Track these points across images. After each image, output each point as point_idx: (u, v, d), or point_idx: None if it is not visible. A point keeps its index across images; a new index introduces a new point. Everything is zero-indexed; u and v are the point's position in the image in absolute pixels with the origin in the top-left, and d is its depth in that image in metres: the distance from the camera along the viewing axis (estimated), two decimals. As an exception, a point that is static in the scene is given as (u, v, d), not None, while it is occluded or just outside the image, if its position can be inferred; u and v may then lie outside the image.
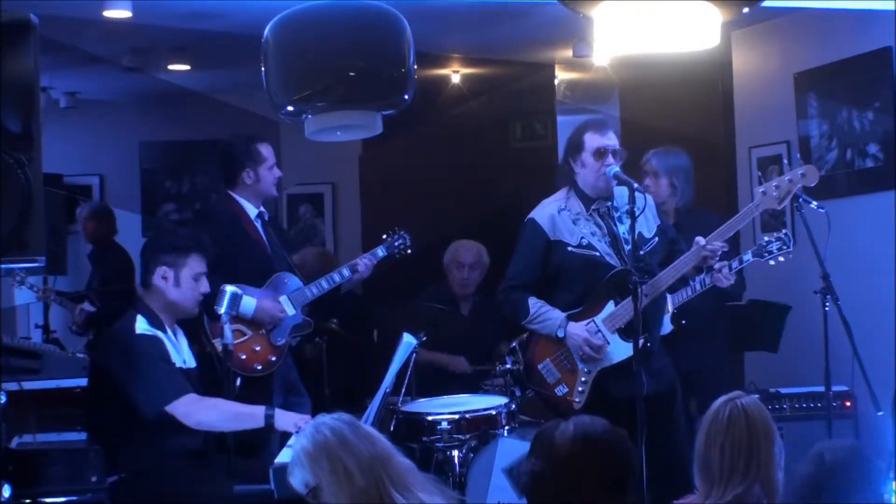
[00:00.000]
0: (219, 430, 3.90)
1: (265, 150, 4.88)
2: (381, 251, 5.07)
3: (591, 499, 2.38)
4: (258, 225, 4.88)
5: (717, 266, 4.35)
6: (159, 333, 3.99)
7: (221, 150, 5.01)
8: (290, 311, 4.76)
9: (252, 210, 4.87)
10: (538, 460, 2.42)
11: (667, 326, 4.69)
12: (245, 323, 4.63)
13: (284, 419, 3.87)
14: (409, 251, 5.18)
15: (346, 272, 4.88)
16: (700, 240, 4.22)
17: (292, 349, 4.94)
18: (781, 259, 4.45)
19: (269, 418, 3.85)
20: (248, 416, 3.89)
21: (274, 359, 4.71)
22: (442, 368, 5.69)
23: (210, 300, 4.13)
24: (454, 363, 5.72)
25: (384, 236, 5.15)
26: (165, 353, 3.96)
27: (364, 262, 4.95)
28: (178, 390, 3.87)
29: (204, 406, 3.88)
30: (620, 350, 4.29)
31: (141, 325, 3.96)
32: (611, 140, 4.35)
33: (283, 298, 4.75)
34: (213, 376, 4.31)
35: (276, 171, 4.93)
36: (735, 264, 4.53)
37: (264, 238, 4.86)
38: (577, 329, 4.30)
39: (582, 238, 4.34)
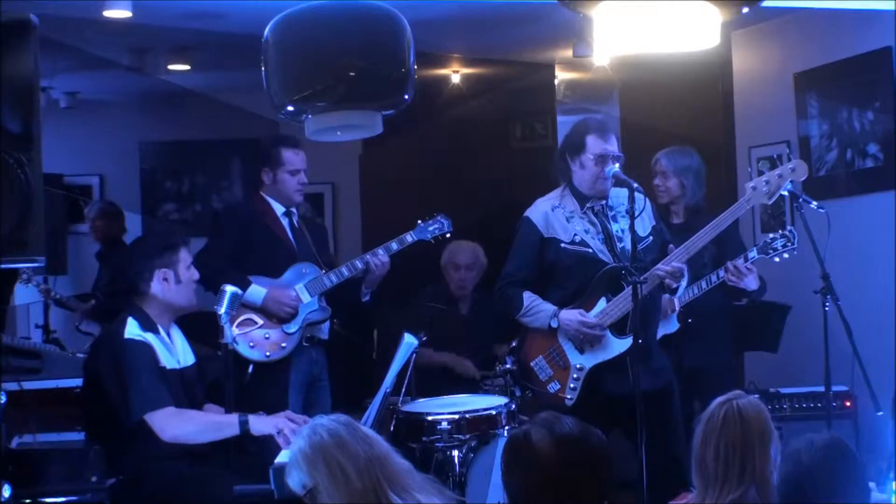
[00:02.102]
0: (195, 442, 3.86)
1: (288, 154, 4.85)
2: (409, 237, 4.93)
3: (582, 500, 2.39)
4: (285, 223, 4.90)
5: (729, 264, 4.52)
6: (149, 337, 3.96)
7: (255, 147, 5.05)
8: (306, 298, 4.78)
9: (279, 208, 4.90)
10: (524, 471, 2.43)
11: (673, 325, 4.69)
12: (256, 311, 4.68)
13: (260, 423, 3.85)
14: (448, 235, 5.06)
15: (368, 258, 4.82)
16: (659, 266, 4.22)
17: (322, 343, 4.95)
18: (786, 256, 4.49)
19: (243, 425, 3.82)
20: (223, 425, 3.86)
21: (285, 345, 4.74)
22: (447, 369, 5.69)
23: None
24: (462, 366, 5.71)
25: (419, 221, 5.01)
26: (152, 359, 3.92)
27: (377, 258, 4.80)
28: (157, 401, 3.83)
29: (179, 420, 3.85)
30: (613, 346, 4.30)
31: (131, 330, 3.93)
32: (613, 145, 4.37)
33: (298, 287, 4.78)
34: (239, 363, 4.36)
35: (301, 178, 4.88)
36: (740, 262, 4.57)
37: (290, 235, 4.89)
38: (570, 314, 4.31)
39: (575, 235, 4.35)
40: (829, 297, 4.40)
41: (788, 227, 4.57)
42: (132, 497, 3.83)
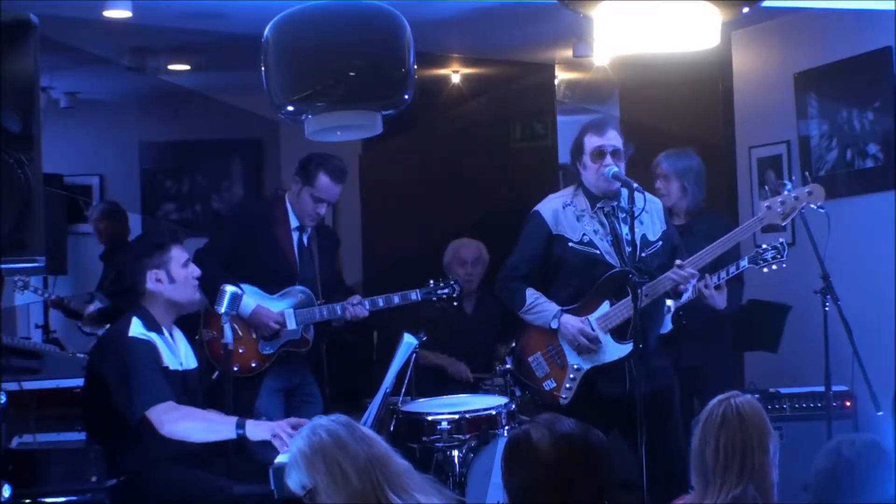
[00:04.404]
0: (192, 440, 3.84)
1: (324, 180, 4.71)
2: (414, 295, 4.86)
3: (581, 499, 2.39)
4: (294, 237, 4.82)
5: (699, 284, 4.45)
6: (153, 336, 3.96)
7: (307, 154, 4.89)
8: (291, 325, 4.72)
9: (294, 221, 4.81)
10: (524, 471, 2.43)
11: (667, 325, 4.69)
12: (239, 323, 4.61)
13: (257, 429, 3.81)
14: (455, 304, 5.01)
15: (367, 304, 4.77)
16: (678, 263, 4.23)
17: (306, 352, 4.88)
18: (774, 267, 4.52)
19: (240, 429, 3.79)
20: (220, 427, 3.84)
21: (255, 365, 4.69)
22: (442, 369, 5.68)
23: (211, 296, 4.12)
24: (455, 368, 5.68)
25: (430, 281, 4.94)
26: (156, 357, 3.92)
27: (355, 309, 4.74)
28: (157, 396, 3.82)
29: (178, 416, 3.82)
30: (612, 351, 4.30)
31: (135, 329, 3.93)
32: (609, 140, 4.36)
33: (288, 311, 4.72)
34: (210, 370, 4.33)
35: (320, 208, 4.75)
36: (732, 269, 4.59)
37: (295, 249, 4.81)
38: (572, 320, 4.32)
39: (584, 235, 4.35)
40: (829, 297, 4.41)
41: (780, 240, 4.60)
42: (132, 498, 3.82)
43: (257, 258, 4.73)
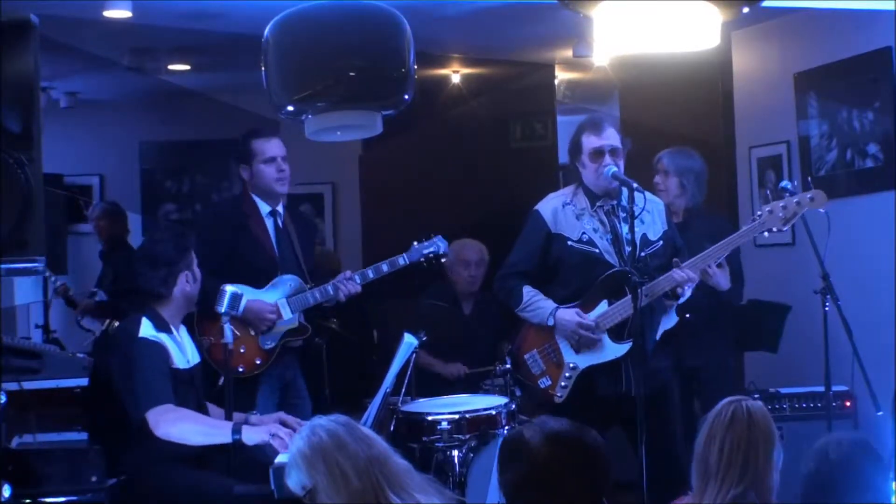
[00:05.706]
0: (186, 443, 3.84)
1: (260, 144, 4.74)
2: (401, 260, 4.79)
3: (576, 499, 2.39)
4: (269, 224, 4.79)
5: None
6: (163, 337, 3.97)
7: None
8: (287, 314, 4.68)
9: (265, 208, 4.79)
10: (515, 469, 2.43)
11: (672, 318, 4.70)
12: (235, 323, 4.57)
13: (253, 433, 3.82)
14: (443, 259, 4.94)
15: (358, 278, 4.73)
16: (676, 272, 4.22)
17: (294, 349, 4.85)
18: (775, 230, 4.34)
19: (235, 434, 3.79)
20: (215, 432, 3.86)
21: (259, 362, 4.66)
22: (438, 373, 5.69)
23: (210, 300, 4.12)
24: (449, 370, 5.69)
25: (415, 242, 4.87)
26: (164, 359, 3.93)
27: (347, 286, 4.71)
28: (158, 398, 3.83)
29: (174, 418, 3.83)
30: (609, 350, 4.30)
31: (145, 330, 3.94)
32: (607, 139, 4.35)
33: (281, 301, 4.70)
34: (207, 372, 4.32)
35: (280, 165, 4.74)
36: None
37: (272, 238, 4.77)
38: (568, 314, 4.32)
39: (583, 234, 4.35)
40: (829, 297, 4.41)
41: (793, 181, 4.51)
42: (132, 498, 3.83)
43: (239, 254, 4.69)
